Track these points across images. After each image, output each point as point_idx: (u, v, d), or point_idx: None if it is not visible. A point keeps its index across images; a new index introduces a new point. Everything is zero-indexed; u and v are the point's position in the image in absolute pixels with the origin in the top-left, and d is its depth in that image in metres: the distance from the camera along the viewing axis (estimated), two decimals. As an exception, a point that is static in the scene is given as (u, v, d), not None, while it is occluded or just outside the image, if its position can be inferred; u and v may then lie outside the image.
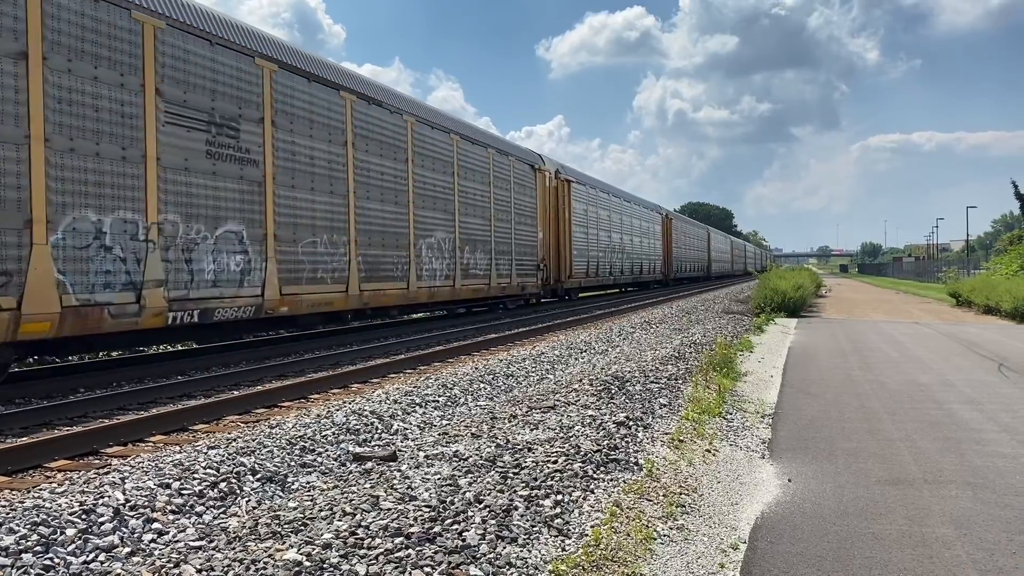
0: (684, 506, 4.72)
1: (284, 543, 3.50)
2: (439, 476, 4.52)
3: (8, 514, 3.84)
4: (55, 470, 5.42)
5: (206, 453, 5.13)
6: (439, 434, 5.89)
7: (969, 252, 69.27)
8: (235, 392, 8.34)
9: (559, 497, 4.35)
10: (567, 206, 24.62)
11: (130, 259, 8.66)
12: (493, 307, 20.65)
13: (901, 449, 6.29)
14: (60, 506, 3.98)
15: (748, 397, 8.62)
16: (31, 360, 9.64)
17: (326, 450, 5.60)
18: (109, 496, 4.15)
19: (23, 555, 3.43)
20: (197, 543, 3.68)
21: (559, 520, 4.07)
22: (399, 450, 5.45)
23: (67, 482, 4.61)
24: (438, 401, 7.52)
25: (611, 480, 4.90)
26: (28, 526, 3.68)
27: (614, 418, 6.28)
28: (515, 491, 4.31)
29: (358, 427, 6.24)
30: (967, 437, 6.70)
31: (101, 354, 11.00)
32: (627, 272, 32.78)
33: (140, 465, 4.84)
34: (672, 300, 28.59)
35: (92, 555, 3.59)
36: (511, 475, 4.60)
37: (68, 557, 3.51)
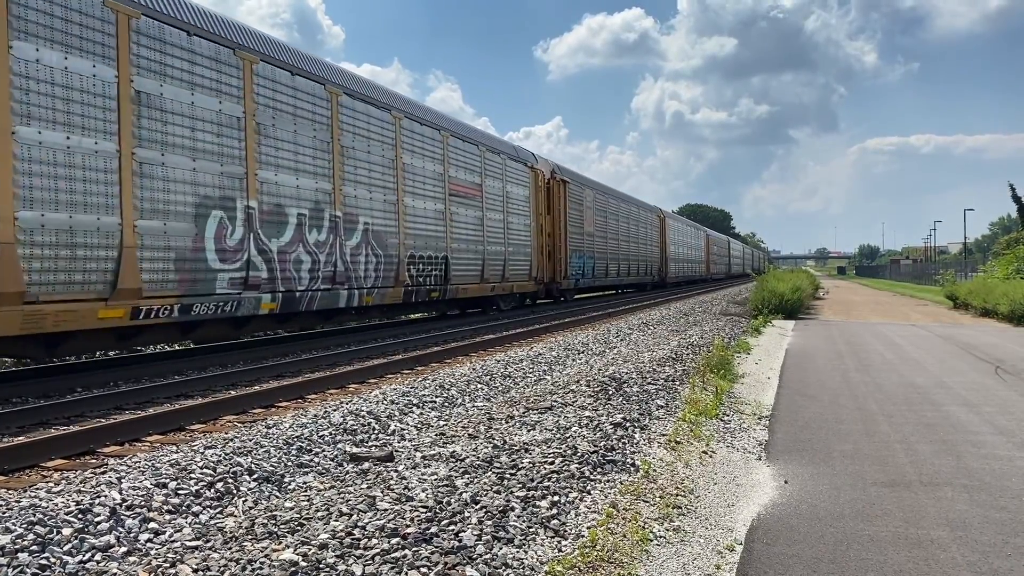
0: (680, 507, 4.73)
1: (280, 543, 3.50)
2: (436, 477, 4.53)
3: (4, 513, 3.84)
4: (52, 469, 5.41)
5: (203, 453, 5.13)
6: (436, 435, 5.90)
7: (966, 255, 69.39)
8: (232, 392, 8.34)
9: (556, 498, 4.35)
10: None
11: None
12: None
13: (897, 451, 6.30)
14: (56, 505, 3.98)
15: (745, 399, 8.63)
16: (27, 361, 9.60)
17: (323, 450, 5.60)
18: (105, 496, 4.15)
19: (19, 554, 3.43)
20: (193, 543, 3.68)
21: (555, 521, 4.07)
22: (396, 451, 5.45)
23: (64, 481, 4.61)
24: (435, 402, 7.52)
25: (608, 481, 4.90)
26: (24, 525, 3.68)
27: (611, 419, 6.28)
28: (512, 492, 4.31)
29: (355, 427, 6.24)
30: (963, 439, 6.71)
31: (98, 353, 10.98)
32: (374, 276, 13.61)
33: (137, 465, 4.84)
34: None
35: (88, 555, 3.58)
36: (508, 476, 4.60)
37: (64, 556, 3.51)
